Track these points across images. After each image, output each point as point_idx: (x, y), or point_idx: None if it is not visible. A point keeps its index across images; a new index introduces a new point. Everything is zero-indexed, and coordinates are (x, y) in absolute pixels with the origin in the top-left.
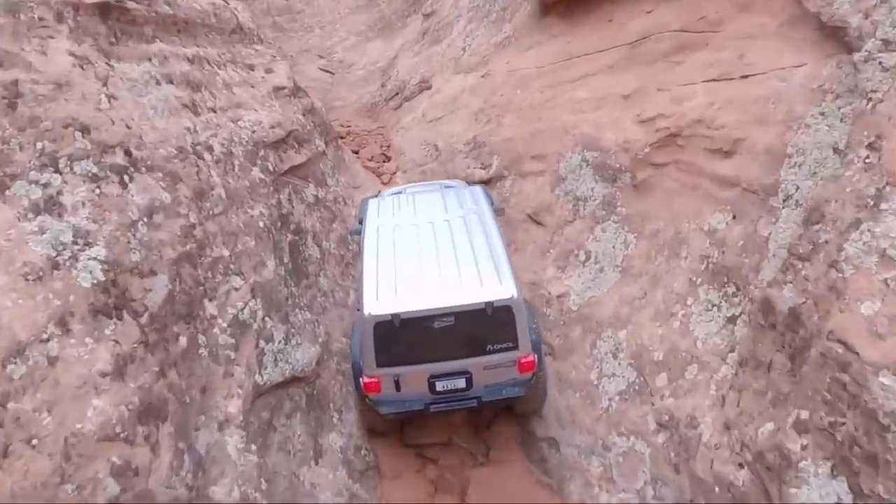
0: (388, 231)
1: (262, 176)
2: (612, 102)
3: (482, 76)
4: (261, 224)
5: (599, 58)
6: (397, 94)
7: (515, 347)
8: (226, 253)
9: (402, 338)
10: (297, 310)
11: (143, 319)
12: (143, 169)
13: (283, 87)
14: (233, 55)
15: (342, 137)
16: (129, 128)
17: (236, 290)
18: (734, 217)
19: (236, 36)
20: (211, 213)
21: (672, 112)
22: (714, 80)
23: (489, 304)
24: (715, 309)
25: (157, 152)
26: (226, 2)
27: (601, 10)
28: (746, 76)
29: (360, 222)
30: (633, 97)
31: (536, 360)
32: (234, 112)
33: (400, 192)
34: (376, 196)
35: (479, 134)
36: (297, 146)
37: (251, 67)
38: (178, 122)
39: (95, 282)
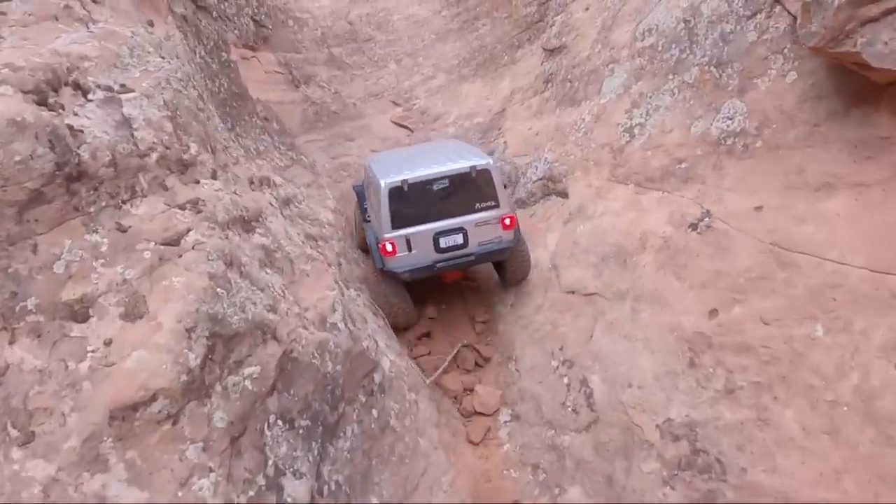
0: (389, 155)
1: None
2: None
3: (695, 227)
4: None
5: None
6: (505, 186)
7: (497, 206)
8: None
9: (410, 202)
10: None
11: None
12: None
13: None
14: None
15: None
16: None
17: None
18: None
19: None
20: None
21: None
22: None
23: (473, 167)
24: None
25: None
26: None
27: None
28: None
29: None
30: None
31: (516, 221)
32: None
33: None
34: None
35: (699, 420)
36: None
37: None
38: None
39: None
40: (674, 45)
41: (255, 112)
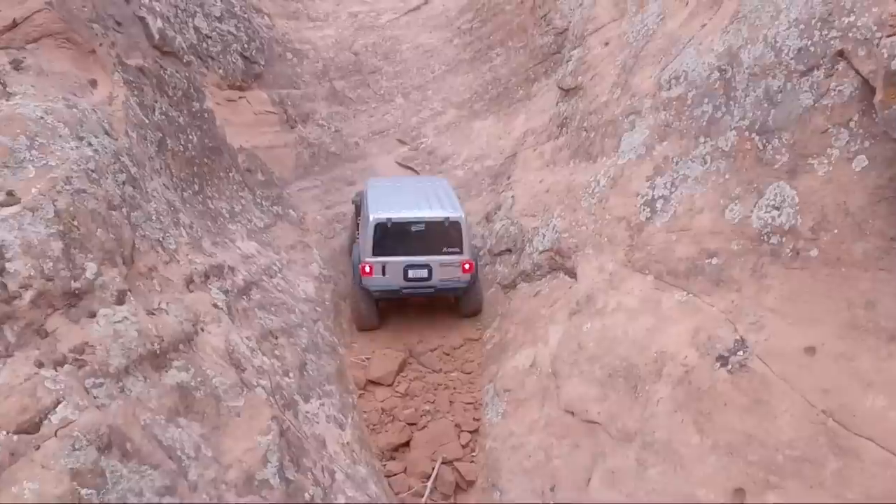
0: (384, 186)
1: None
2: None
3: (725, 362)
4: None
5: None
6: (509, 251)
7: (461, 252)
8: None
9: (390, 236)
10: None
11: None
12: None
13: None
14: None
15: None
16: None
17: None
18: None
19: None
20: None
21: None
22: None
23: (446, 218)
24: None
25: None
26: None
27: None
28: None
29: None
30: None
31: (475, 267)
32: None
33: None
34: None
35: None
36: None
37: None
38: None
39: None
40: (706, 100)
41: (234, 165)
